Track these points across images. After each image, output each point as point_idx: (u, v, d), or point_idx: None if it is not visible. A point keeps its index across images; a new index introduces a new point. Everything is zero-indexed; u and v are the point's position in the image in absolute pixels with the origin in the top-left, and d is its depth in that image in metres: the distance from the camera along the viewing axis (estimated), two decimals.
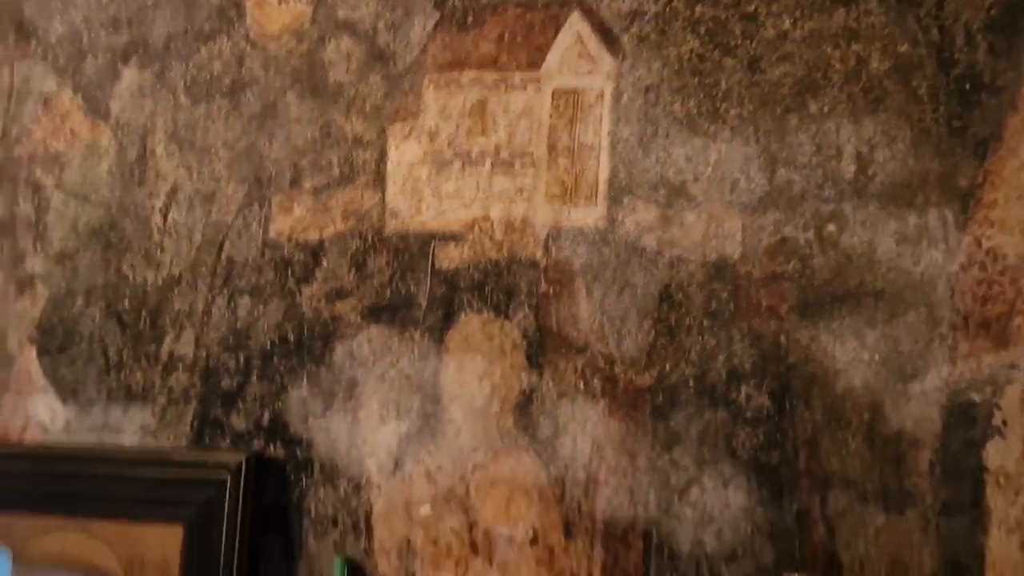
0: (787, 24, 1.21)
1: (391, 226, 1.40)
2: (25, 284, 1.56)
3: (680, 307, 1.24)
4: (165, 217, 1.50)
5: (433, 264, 1.37)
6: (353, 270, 1.41)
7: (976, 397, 1.09)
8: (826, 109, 1.18)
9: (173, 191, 1.50)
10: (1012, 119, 1.11)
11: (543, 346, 1.30)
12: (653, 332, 1.24)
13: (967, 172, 1.12)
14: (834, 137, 1.18)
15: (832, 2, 1.20)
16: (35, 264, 1.56)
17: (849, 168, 1.17)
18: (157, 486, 1.40)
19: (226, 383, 1.45)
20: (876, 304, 1.14)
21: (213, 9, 1.49)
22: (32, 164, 1.57)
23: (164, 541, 1.38)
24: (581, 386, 1.27)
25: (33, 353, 1.55)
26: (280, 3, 1.46)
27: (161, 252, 1.50)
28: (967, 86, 1.13)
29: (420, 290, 1.37)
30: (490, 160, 1.34)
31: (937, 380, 1.11)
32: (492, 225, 1.34)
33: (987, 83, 1.12)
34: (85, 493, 1.44)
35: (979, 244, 1.10)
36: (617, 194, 1.27)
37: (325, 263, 1.42)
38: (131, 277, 1.51)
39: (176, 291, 1.48)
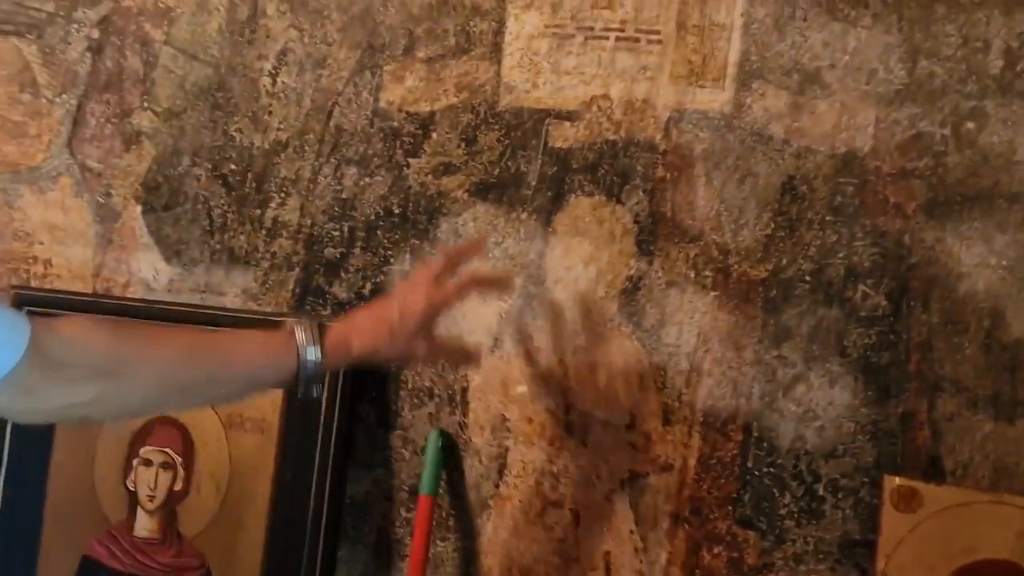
0: None
1: (505, 101, 1.50)
2: (131, 140, 1.72)
3: (803, 200, 1.33)
4: (274, 80, 1.63)
5: (546, 142, 1.47)
6: (463, 145, 1.52)
7: None
8: None
9: (283, 53, 1.62)
10: None
11: (655, 233, 1.41)
12: (772, 224, 1.34)
13: None
14: (983, 29, 1.24)
15: None
16: (142, 120, 1.71)
17: (996, 63, 1.23)
18: None
19: (329, 252, 1.60)
20: (1010, 207, 1.22)
21: None
22: (141, 17, 1.71)
23: (264, 401, 1.55)
24: (692, 275, 1.38)
25: (138, 210, 1.71)
26: None
27: (269, 116, 1.63)
28: None
29: (531, 169, 1.48)
30: (614, 35, 1.43)
31: None
32: (611, 104, 1.43)
33: None
34: None
35: None
36: (746, 78, 1.35)
37: (435, 136, 1.54)
38: (238, 139, 1.65)
39: (283, 156, 1.62)
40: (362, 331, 1.26)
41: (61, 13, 1.75)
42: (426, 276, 1.30)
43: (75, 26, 1.75)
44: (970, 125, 1.24)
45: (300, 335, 1.21)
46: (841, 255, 1.31)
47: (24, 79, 1.78)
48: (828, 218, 1.32)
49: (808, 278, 1.33)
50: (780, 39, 1.34)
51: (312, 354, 1.20)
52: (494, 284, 1.45)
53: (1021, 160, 1.22)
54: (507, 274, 1.47)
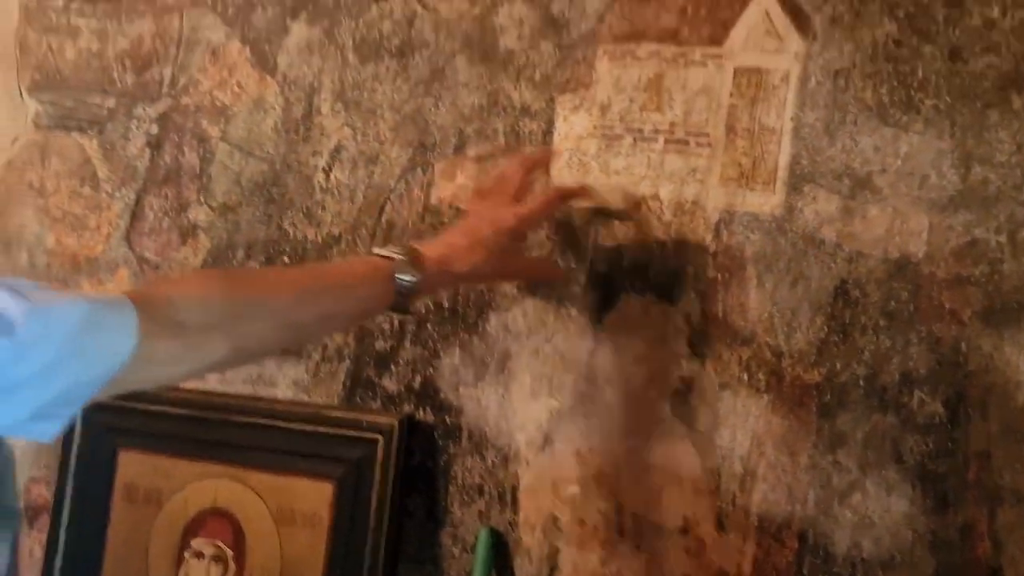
0: (995, 12, 1.26)
1: None
2: (187, 233, 1.76)
3: (856, 304, 1.32)
4: (328, 176, 1.66)
5: (596, 241, 1.48)
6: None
7: None
8: None
9: (337, 150, 1.66)
10: None
11: (707, 334, 1.40)
12: (825, 328, 1.33)
13: None
14: None
15: None
16: (198, 214, 1.75)
17: None
18: (310, 441, 1.58)
19: (380, 345, 1.61)
20: None
21: None
22: (199, 115, 1.76)
23: (315, 495, 1.57)
24: (745, 378, 1.38)
25: None
26: None
27: (322, 210, 1.66)
28: None
29: (580, 266, 1.49)
30: (663, 137, 1.45)
31: None
32: (661, 205, 1.44)
33: None
34: (239, 442, 1.64)
35: None
36: (797, 181, 1.36)
37: None
38: (291, 233, 1.68)
39: (335, 250, 1.65)
40: (459, 251, 1.30)
41: (122, 109, 1.81)
42: (504, 192, 1.33)
43: (135, 122, 1.80)
44: None
45: (397, 258, 1.26)
46: (896, 361, 1.30)
47: (85, 173, 1.83)
48: (882, 323, 1.31)
49: (863, 383, 1.32)
50: (831, 143, 1.34)
51: (408, 278, 1.25)
52: (577, 194, 1.47)
53: None
54: (587, 187, 1.48)
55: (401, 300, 1.26)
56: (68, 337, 0.92)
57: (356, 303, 1.26)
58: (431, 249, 1.30)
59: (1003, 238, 1.25)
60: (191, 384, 1.73)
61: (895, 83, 1.31)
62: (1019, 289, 1.24)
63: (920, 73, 1.30)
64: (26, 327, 0.89)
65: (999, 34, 1.26)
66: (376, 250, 1.31)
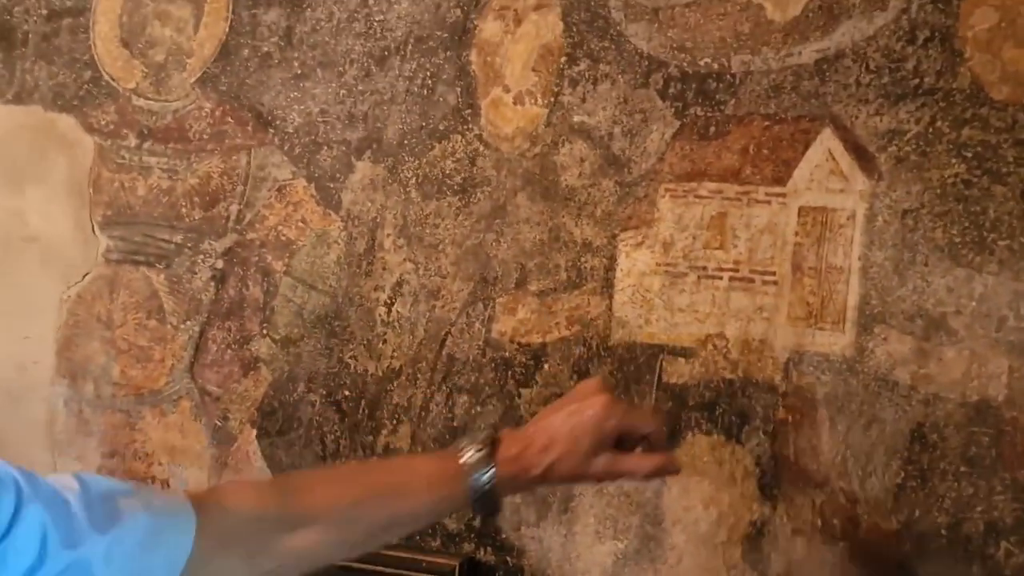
0: None
1: (617, 335, 1.50)
2: (249, 366, 1.77)
3: (934, 449, 1.28)
4: (389, 309, 1.67)
5: (660, 378, 1.46)
6: (575, 376, 1.52)
7: None
8: None
9: (399, 284, 1.67)
10: None
11: (778, 477, 1.36)
12: (902, 473, 1.29)
13: None
14: None
15: None
16: (260, 347, 1.76)
17: None
18: None
19: None
20: None
21: (449, 108, 1.66)
22: (263, 249, 1.79)
23: None
24: (818, 523, 1.33)
25: (253, 434, 1.74)
26: (515, 105, 1.62)
27: (383, 344, 1.66)
28: None
29: (644, 404, 1.47)
30: (728, 275, 1.43)
31: None
32: (727, 343, 1.42)
33: None
34: None
35: None
36: (868, 322, 1.33)
37: (546, 367, 1.55)
38: (352, 367, 1.68)
39: (395, 384, 1.64)
40: (548, 447, 1.13)
41: (189, 244, 1.85)
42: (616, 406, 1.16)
43: (201, 256, 1.83)
44: None
45: (469, 457, 1.13)
46: (980, 509, 1.25)
47: (151, 306, 1.86)
48: (963, 469, 1.26)
49: (944, 532, 1.26)
50: (901, 283, 1.32)
51: (484, 478, 1.12)
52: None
53: None
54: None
55: (482, 501, 1.13)
56: (129, 557, 0.95)
57: (422, 508, 1.16)
58: (510, 445, 1.15)
59: None
60: None
61: (966, 223, 1.29)
62: None
63: (992, 213, 1.28)
64: (89, 545, 0.93)
65: None
66: (455, 447, 1.17)
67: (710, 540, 1.40)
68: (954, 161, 1.31)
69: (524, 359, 1.57)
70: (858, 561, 1.30)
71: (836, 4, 1.40)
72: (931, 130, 1.33)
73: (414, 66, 1.70)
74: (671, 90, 1.51)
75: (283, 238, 1.78)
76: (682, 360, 1.46)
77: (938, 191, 1.31)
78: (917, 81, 1.34)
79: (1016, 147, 1.28)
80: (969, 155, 1.30)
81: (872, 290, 1.34)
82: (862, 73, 1.37)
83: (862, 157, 1.37)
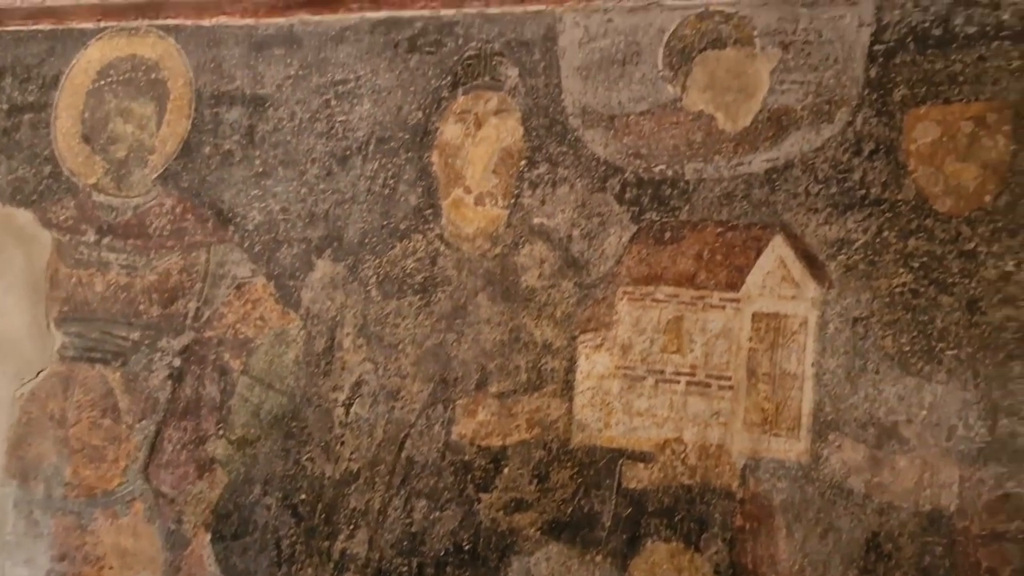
0: (1010, 265, 1.31)
1: (577, 439, 1.53)
2: (205, 467, 1.77)
3: (889, 558, 1.30)
4: (348, 410, 1.68)
5: (620, 483, 1.48)
6: (535, 481, 1.54)
7: None
8: None
9: (358, 385, 1.69)
10: None
11: None
12: None
13: None
14: None
15: None
16: (216, 448, 1.77)
17: None
18: None
19: None
20: None
21: (410, 208, 1.70)
22: (221, 347, 1.80)
23: None
24: None
25: (207, 538, 1.74)
26: (476, 205, 1.66)
27: (341, 446, 1.68)
28: None
29: (604, 509, 1.49)
30: (685, 379, 1.47)
31: None
32: (685, 448, 1.45)
33: None
34: None
35: None
36: (822, 428, 1.37)
37: (506, 471, 1.57)
38: (309, 469, 1.69)
39: (353, 487, 1.65)
40: None
41: (146, 342, 1.86)
42: None
43: (158, 354, 1.84)
44: None
45: None
46: None
47: (106, 404, 1.86)
48: None
49: None
50: (853, 391, 1.36)
51: None
52: None
53: None
54: None
55: None
56: None
57: None
58: None
59: None
60: None
61: (915, 332, 1.34)
62: None
63: (939, 323, 1.33)
64: None
65: (1015, 287, 1.30)
66: None
67: None
68: (902, 271, 1.36)
69: (484, 462, 1.59)
70: None
71: (784, 116, 1.46)
72: (878, 240, 1.38)
73: (376, 166, 1.74)
74: (627, 195, 1.56)
75: (241, 336, 1.80)
76: (641, 465, 1.48)
77: (887, 300, 1.37)
78: (864, 192, 1.40)
79: (961, 258, 1.34)
80: (916, 265, 1.36)
81: (826, 397, 1.38)
82: (811, 183, 1.43)
83: (812, 265, 1.42)
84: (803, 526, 1.36)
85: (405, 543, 1.61)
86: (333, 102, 1.80)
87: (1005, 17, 1.34)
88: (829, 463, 1.36)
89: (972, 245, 1.33)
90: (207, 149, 1.90)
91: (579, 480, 1.52)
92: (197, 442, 1.79)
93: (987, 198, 1.33)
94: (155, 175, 1.92)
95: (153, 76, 1.96)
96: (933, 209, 1.36)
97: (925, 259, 1.36)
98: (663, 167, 1.54)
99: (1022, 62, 1.34)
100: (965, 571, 1.26)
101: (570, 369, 1.56)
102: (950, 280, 1.34)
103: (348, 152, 1.77)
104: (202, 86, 1.92)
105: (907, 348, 1.34)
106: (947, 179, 1.36)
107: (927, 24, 1.39)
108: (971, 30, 1.37)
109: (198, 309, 1.84)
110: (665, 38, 1.56)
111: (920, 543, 1.29)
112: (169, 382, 1.83)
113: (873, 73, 1.42)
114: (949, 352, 1.32)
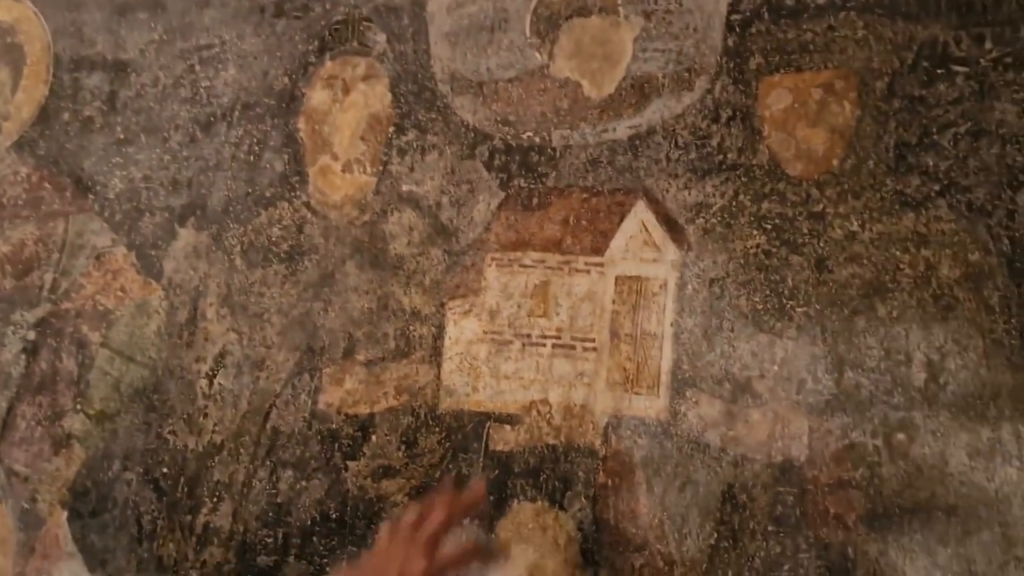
0: (855, 225, 1.37)
1: (445, 404, 1.54)
2: (61, 443, 1.71)
3: (744, 509, 1.35)
4: (211, 382, 1.65)
5: (487, 446, 1.50)
6: (403, 447, 1.54)
7: None
8: (895, 313, 1.33)
9: (221, 356, 1.66)
10: None
11: (599, 541, 1.41)
12: (715, 534, 1.36)
13: None
14: (903, 343, 1.32)
15: (901, 206, 1.36)
16: (73, 423, 1.71)
17: (919, 375, 1.30)
18: None
19: (262, 560, 1.57)
20: (948, 520, 1.25)
21: (276, 175, 1.68)
22: (79, 319, 1.75)
23: None
24: None
25: (63, 516, 1.68)
26: (344, 173, 1.66)
27: (204, 418, 1.64)
28: None
29: (472, 472, 1.50)
30: (551, 342, 1.49)
31: None
32: (551, 409, 1.47)
33: None
34: None
35: None
36: (680, 386, 1.41)
37: (374, 439, 1.56)
38: (171, 442, 1.65)
39: (217, 460, 1.62)
40: None
41: None
42: (423, 535, 1.20)
43: (11, 328, 1.78)
44: (900, 436, 1.30)
45: None
46: (787, 568, 1.32)
47: None
48: (771, 528, 1.34)
49: None
50: (710, 349, 1.41)
51: None
52: (492, 556, 1.32)
53: (953, 472, 1.26)
54: (504, 548, 1.41)
55: None
56: None
57: None
58: None
59: (879, 442, 1.31)
60: None
61: (767, 291, 1.40)
62: (899, 493, 1.29)
63: (790, 281, 1.39)
64: None
65: (860, 246, 1.37)
66: None
67: None
68: (755, 232, 1.42)
69: (351, 430, 1.58)
70: None
71: (647, 83, 1.50)
72: (734, 203, 1.43)
73: (241, 133, 1.72)
74: (496, 161, 1.58)
75: (101, 308, 1.75)
76: (508, 427, 1.50)
77: (741, 261, 1.42)
78: (721, 157, 1.45)
79: (810, 219, 1.39)
80: (769, 227, 1.41)
81: (683, 355, 1.42)
82: (671, 149, 1.48)
83: (672, 228, 1.46)
84: (662, 480, 1.40)
85: (270, 514, 1.59)
86: (197, 67, 1.77)
87: None
88: (687, 419, 1.40)
89: (821, 207, 1.39)
90: (66, 116, 1.84)
91: (447, 445, 1.52)
92: (53, 418, 1.73)
93: (834, 162, 1.39)
94: (9, 142, 1.85)
95: (8, 40, 1.89)
96: (785, 173, 1.42)
97: (777, 221, 1.41)
98: (531, 134, 1.57)
99: (867, 32, 1.40)
100: (814, 518, 1.32)
101: (438, 335, 1.57)
102: (800, 241, 1.39)
103: (212, 118, 1.74)
104: (61, 51, 1.86)
105: (760, 306, 1.39)
106: (798, 144, 1.42)
107: None
108: (821, 1, 1.43)
109: (55, 280, 1.78)
110: (532, 5, 1.58)
111: (773, 493, 1.34)
112: (23, 356, 1.76)
113: (731, 42, 1.47)
114: (799, 309, 1.38)
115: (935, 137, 1.35)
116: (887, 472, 1.30)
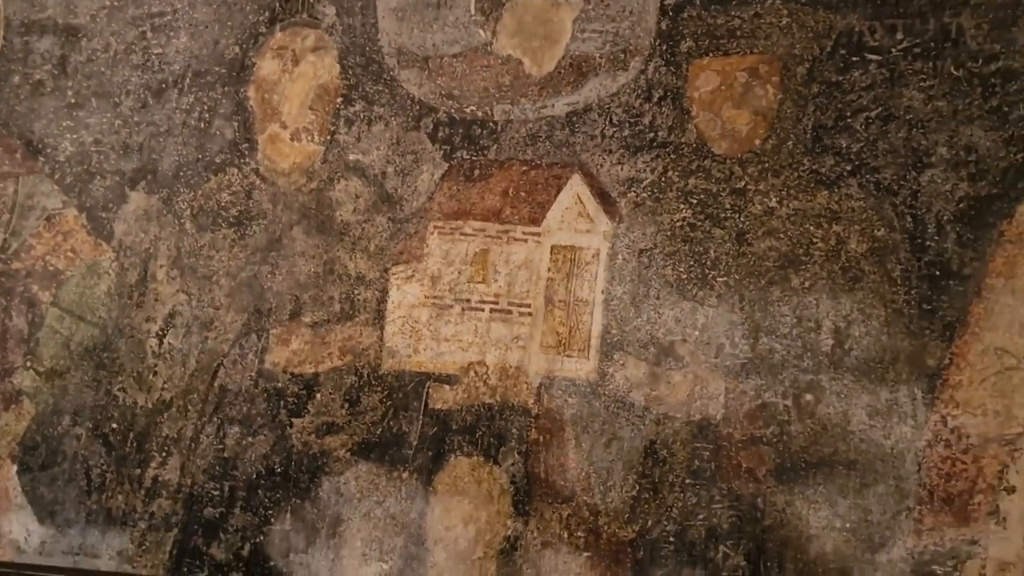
0: (774, 201, 1.48)
1: (387, 364, 1.63)
2: (11, 399, 1.77)
3: (664, 463, 1.47)
4: (161, 341, 1.73)
5: (427, 405, 1.60)
6: (346, 406, 1.64)
7: (939, 570, 1.32)
8: (807, 284, 1.44)
9: (171, 316, 1.73)
10: (976, 306, 1.37)
11: (530, 493, 1.52)
12: (637, 487, 1.47)
13: (935, 353, 1.37)
14: (814, 311, 1.44)
15: (816, 184, 1.47)
16: (23, 380, 1.77)
17: (827, 341, 1.42)
18: None
19: (209, 512, 1.65)
20: (848, 474, 1.38)
21: (226, 142, 1.75)
22: (29, 279, 1.81)
23: None
24: (565, 536, 1.49)
25: (13, 470, 1.75)
26: (292, 141, 1.73)
27: (154, 376, 1.72)
28: (936, 272, 1.39)
29: (412, 430, 1.60)
30: (489, 307, 1.59)
31: (903, 551, 1.33)
32: (487, 370, 1.57)
33: (955, 270, 1.39)
34: None
35: (945, 423, 1.35)
36: (608, 349, 1.52)
37: (318, 397, 1.65)
38: (121, 399, 1.72)
39: (166, 416, 1.70)
40: None
41: None
42: None
43: None
44: (808, 397, 1.42)
45: None
46: (702, 517, 1.44)
47: None
48: (688, 481, 1.46)
49: (672, 539, 1.45)
50: (637, 315, 1.52)
51: None
52: None
53: (855, 430, 1.39)
54: None
55: None
56: None
57: None
58: None
59: (789, 402, 1.43)
60: (8, 554, 1.72)
61: (691, 262, 1.51)
62: (806, 449, 1.41)
63: (712, 253, 1.50)
64: None
65: (777, 220, 1.48)
66: None
67: (468, 556, 1.53)
68: (682, 207, 1.52)
69: (297, 389, 1.67)
70: (599, 568, 1.47)
71: (585, 62, 1.60)
72: (663, 179, 1.54)
73: (192, 99, 1.78)
74: (440, 134, 1.67)
75: (51, 268, 1.81)
76: (447, 387, 1.60)
77: (669, 233, 1.52)
78: (653, 135, 1.55)
79: (733, 195, 1.50)
80: (695, 202, 1.52)
81: (612, 321, 1.53)
82: (606, 126, 1.58)
83: (606, 201, 1.56)
84: (590, 437, 1.51)
85: (217, 468, 1.67)
86: (149, 34, 1.82)
87: None
88: (614, 380, 1.51)
89: (743, 184, 1.50)
90: (16, 79, 1.89)
91: (388, 403, 1.62)
92: (3, 374, 1.79)
93: (757, 141, 1.50)
94: None
95: None
96: (711, 151, 1.52)
97: (702, 196, 1.52)
98: (474, 108, 1.66)
99: (791, 19, 1.51)
100: (728, 472, 1.44)
101: (382, 299, 1.66)
102: (723, 215, 1.50)
103: (164, 85, 1.80)
104: (11, 14, 1.90)
105: (684, 276, 1.50)
106: (724, 124, 1.52)
107: None
108: None
109: (5, 240, 1.83)
110: None
111: (691, 448, 1.46)
112: None
113: (664, 25, 1.57)
114: (720, 279, 1.49)
115: (849, 120, 1.47)
116: (795, 430, 1.42)
